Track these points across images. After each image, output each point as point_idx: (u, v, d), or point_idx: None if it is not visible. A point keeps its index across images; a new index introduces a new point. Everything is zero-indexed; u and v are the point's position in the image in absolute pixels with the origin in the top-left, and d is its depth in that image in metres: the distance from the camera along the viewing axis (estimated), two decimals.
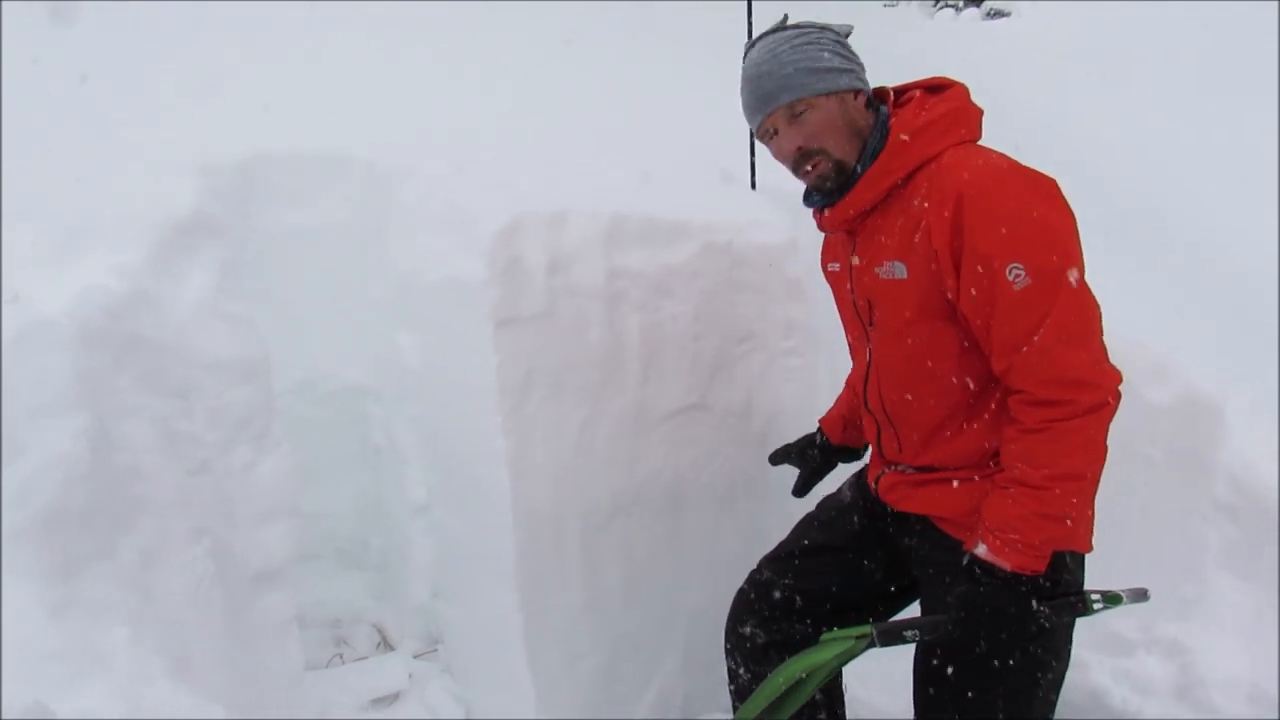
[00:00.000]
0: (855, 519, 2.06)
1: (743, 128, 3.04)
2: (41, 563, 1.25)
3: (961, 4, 10.82)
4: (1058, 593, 1.69)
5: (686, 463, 2.66)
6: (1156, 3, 8.01)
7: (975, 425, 1.78)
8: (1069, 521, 1.62)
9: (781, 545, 2.16)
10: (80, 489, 1.37)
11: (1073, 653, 2.51)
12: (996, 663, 1.74)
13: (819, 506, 2.20)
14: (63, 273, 1.75)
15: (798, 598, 2.07)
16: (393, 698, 2.66)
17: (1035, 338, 1.61)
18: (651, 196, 2.67)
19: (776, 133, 1.81)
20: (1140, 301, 3.37)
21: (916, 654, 1.88)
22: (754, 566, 2.17)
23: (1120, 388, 1.65)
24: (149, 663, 1.29)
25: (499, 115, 3.00)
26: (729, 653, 2.16)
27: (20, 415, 1.36)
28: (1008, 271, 1.60)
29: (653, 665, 2.68)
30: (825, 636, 1.86)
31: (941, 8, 10.96)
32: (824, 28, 1.81)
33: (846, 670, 2.21)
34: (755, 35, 1.86)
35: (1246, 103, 5.73)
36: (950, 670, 1.78)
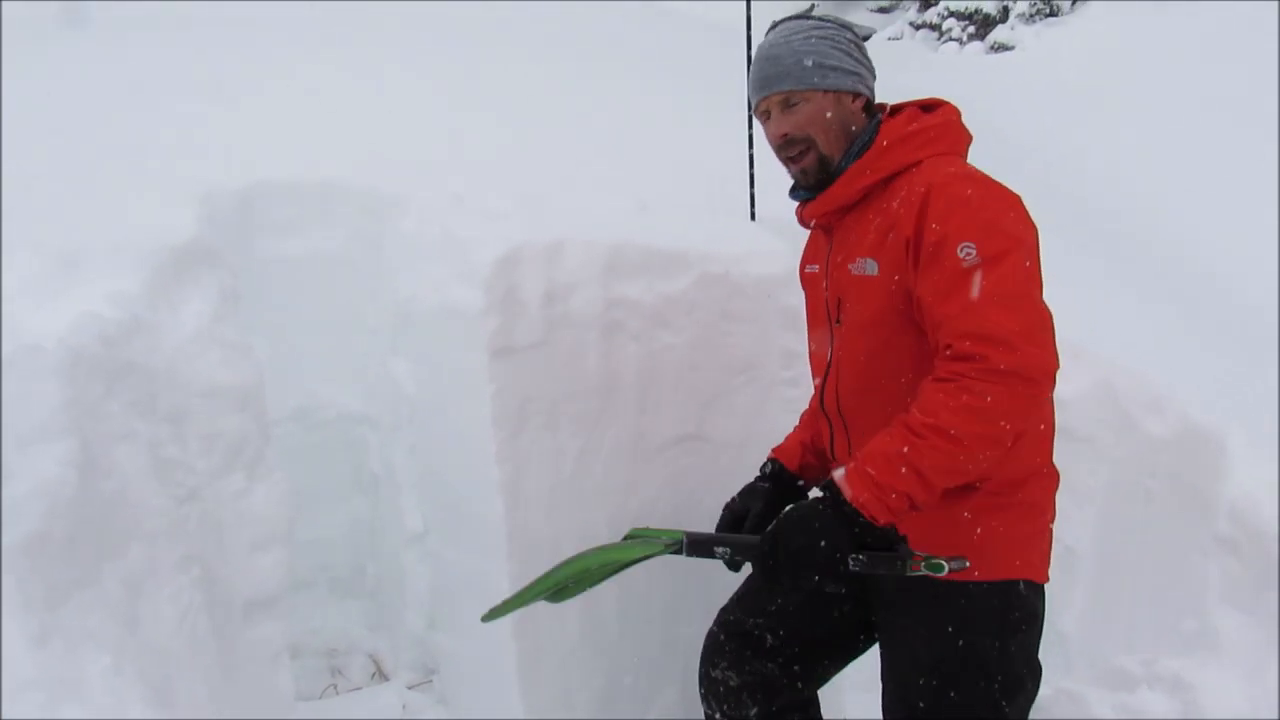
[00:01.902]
0: None
1: (741, 157, 3.06)
2: (23, 591, 1.24)
3: (965, 39, 10.90)
4: (879, 546, 1.60)
5: (684, 493, 2.64)
6: (1159, 35, 8.07)
7: (896, 402, 1.76)
8: (927, 480, 1.56)
9: (748, 582, 2.13)
10: (66, 516, 1.36)
11: (1073, 689, 2.49)
12: (955, 694, 1.75)
13: None
14: (58, 299, 1.75)
15: (768, 636, 2.04)
16: None
17: (970, 299, 1.59)
18: (649, 226, 2.68)
19: (769, 116, 1.86)
20: (1143, 332, 3.37)
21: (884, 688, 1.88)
22: (724, 606, 2.14)
23: (1057, 376, 1.61)
24: (128, 692, 1.27)
25: (496, 144, 3.02)
26: (704, 697, 2.12)
27: (6, 442, 1.36)
28: (960, 249, 1.62)
29: (649, 698, 2.65)
30: (635, 531, 1.91)
31: (945, 42, 11.04)
32: (844, 26, 1.85)
33: (844, 685, 2.19)
34: (782, 18, 1.90)
35: (1248, 133, 5.75)
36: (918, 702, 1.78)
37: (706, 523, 2.65)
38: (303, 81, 3.21)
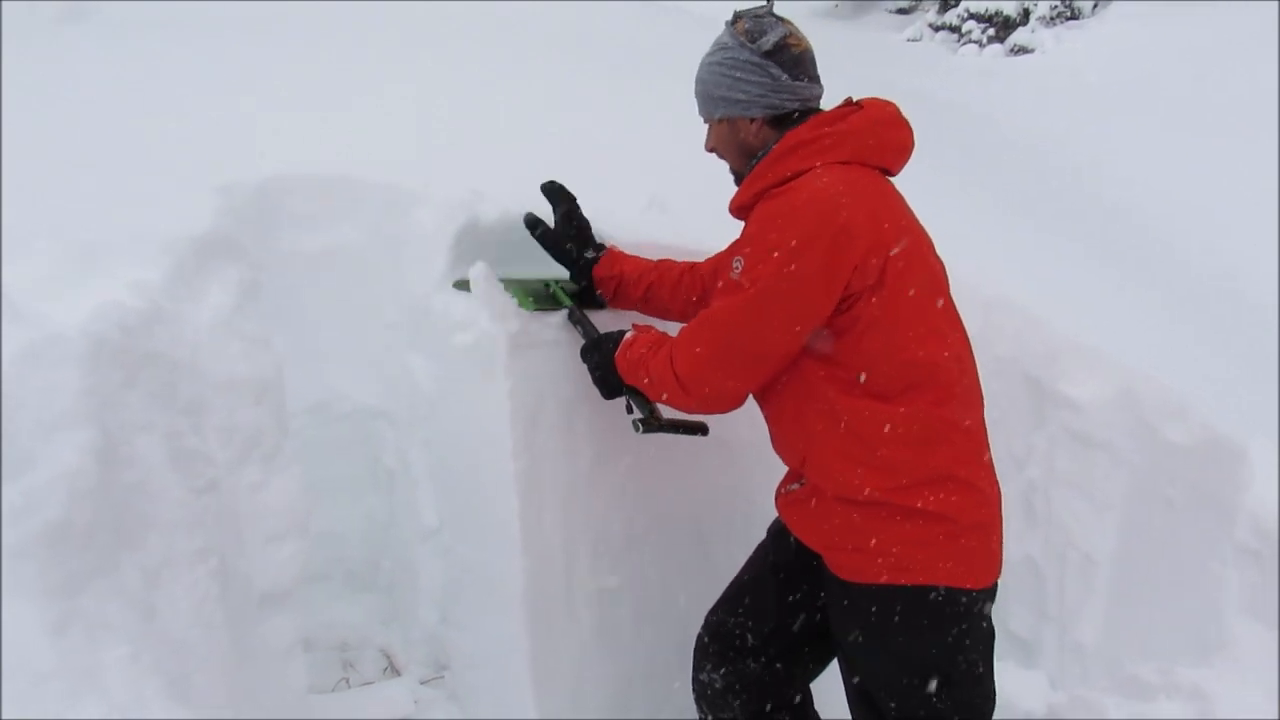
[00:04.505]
0: (789, 544, 2.12)
1: None
2: (43, 579, 1.24)
3: (985, 41, 10.84)
4: (650, 408, 2.18)
5: (702, 495, 2.64)
6: (1181, 37, 8.01)
7: (785, 421, 2.01)
8: (644, 374, 2.07)
9: (732, 582, 2.21)
10: (86, 505, 1.36)
11: (1089, 697, 2.47)
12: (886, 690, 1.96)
13: (767, 534, 2.23)
14: (80, 288, 1.75)
15: (748, 635, 2.14)
16: None
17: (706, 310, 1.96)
18: (667, 225, 2.68)
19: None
20: (1163, 338, 3.34)
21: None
22: (710, 608, 2.25)
23: (699, 394, 1.96)
24: (148, 682, 1.27)
25: (516, 142, 3.01)
26: (696, 701, 2.24)
27: (28, 429, 1.36)
28: (735, 261, 1.90)
29: (662, 698, 2.65)
30: (553, 287, 2.37)
31: (965, 44, 10.98)
32: (742, 44, 1.96)
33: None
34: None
35: (1272, 137, 5.69)
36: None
37: (725, 524, 2.65)
38: (320, 79, 3.21)
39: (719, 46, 2.01)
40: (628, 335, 2.17)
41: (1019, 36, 10.38)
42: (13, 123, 2.55)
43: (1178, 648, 2.56)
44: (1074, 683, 2.72)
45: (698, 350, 1.94)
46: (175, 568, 1.59)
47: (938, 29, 11.41)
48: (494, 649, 2.51)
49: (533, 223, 2.37)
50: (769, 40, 1.94)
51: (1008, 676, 2.55)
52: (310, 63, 3.34)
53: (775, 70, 1.95)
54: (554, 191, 2.38)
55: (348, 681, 2.75)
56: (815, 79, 2.02)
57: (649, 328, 2.20)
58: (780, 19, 2.00)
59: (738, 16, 2.01)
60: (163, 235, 2.04)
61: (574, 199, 2.38)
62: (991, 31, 10.92)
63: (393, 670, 2.80)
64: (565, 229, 2.36)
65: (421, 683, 2.75)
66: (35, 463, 1.35)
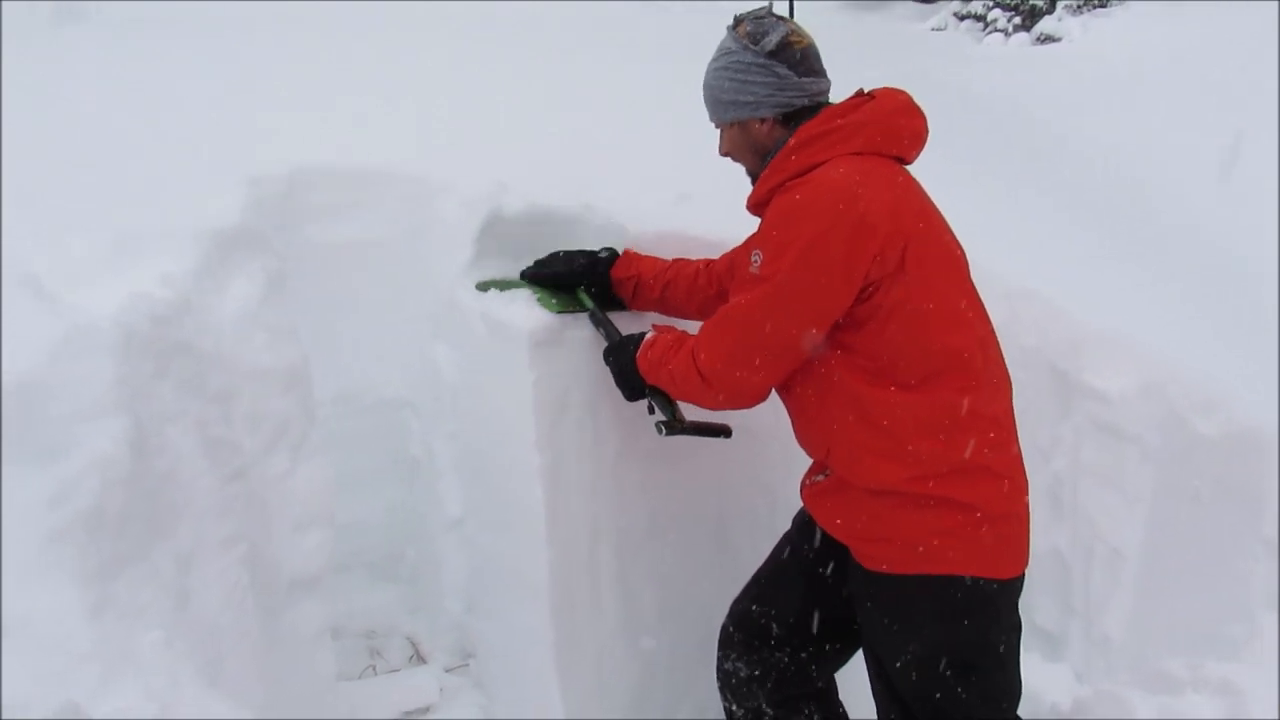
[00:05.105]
0: (815, 534, 2.12)
1: None
2: (79, 565, 1.26)
3: (1010, 29, 10.72)
4: (672, 410, 2.17)
5: (727, 485, 2.65)
6: (1211, 26, 7.90)
7: (809, 413, 2.01)
8: (666, 373, 2.08)
9: (757, 572, 2.22)
10: (119, 492, 1.39)
11: (1116, 691, 2.45)
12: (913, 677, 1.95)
13: (792, 524, 2.23)
14: (111, 280, 1.78)
15: (774, 625, 2.15)
16: (423, 711, 2.66)
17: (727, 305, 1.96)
18: (689, 216, 2.68)
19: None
20: (1189, 331, 3.30)
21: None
22: (735, 597, 2.26)
23: (724, 384, 1.97)
24: (181, 667, 1.30)
25: (538, 133, 3.01)
26: (720, 690, 2.25)
27: (62, 418, 1.38)
28: (753, 255, 1.90)
29: (685, 689, 2.66)
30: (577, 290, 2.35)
31: (990, 33, 10.87)
32: (746, 47, 1.98)
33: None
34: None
35: None
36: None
37: (749, 515, 2.66)
38: (319, 77, 3.21)
39: (723, 51, 2.02)
40: (649, 336, 2.18)
41: (1045, 25, 10.22)
42: (23, 122, 2.57)
43: (1205, 642, 2.55)
44: (1100, 677, 2.71)
45: (720, 345, 1.95)
46: (206, 554, 1.61)
47: (962, 18, 11.27)
48: (518, 638, 2.53)
49: (531, 275, 2.42)
50: (771, 40, 1.95)
51: (1033, 670, 2.54)
52: (309, 61, 3.35)
53: (781, 69, 1.96)
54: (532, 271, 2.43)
55: (374, 669, 2.78)
56: (821, 73, 2.02)
57: (670, 328, 2.21)
58: (780, 18, 2.01)
59: (738, 20, 2.02)
60: (189, 228, 2.07)
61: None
62: (1017, 20, 10.78)
63: (419, 658, 2.83)
64: (558, 254, 2.40)
65: (447, 670, 2.78)
66: (69, 451, 1.38)
